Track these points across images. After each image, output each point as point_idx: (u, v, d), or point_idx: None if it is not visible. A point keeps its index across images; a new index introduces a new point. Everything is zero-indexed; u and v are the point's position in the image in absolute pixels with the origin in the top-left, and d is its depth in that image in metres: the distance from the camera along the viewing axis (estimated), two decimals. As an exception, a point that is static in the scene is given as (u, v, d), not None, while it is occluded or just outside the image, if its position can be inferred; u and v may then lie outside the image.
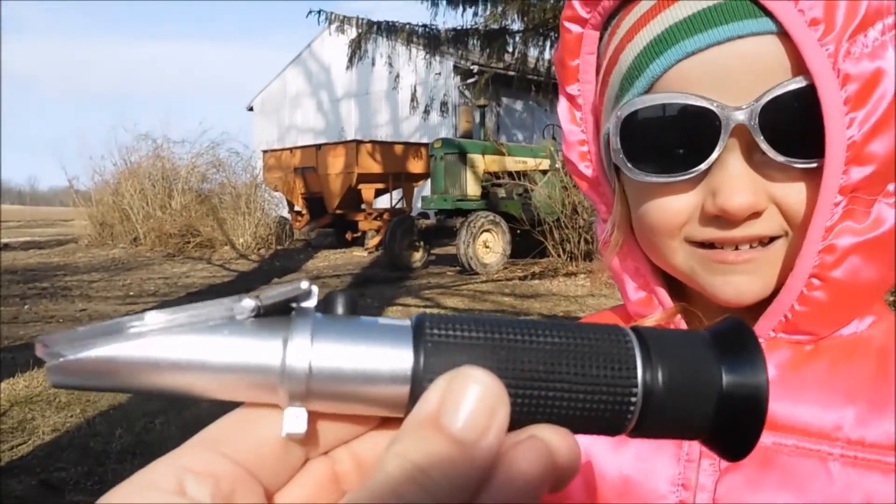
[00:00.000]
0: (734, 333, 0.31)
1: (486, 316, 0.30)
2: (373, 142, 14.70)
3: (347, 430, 0.32)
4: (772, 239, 0.65)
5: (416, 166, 14.60)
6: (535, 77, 13.46)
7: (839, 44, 0.59)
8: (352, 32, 12.94)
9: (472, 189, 11.46)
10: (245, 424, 0.30)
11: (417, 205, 13.52)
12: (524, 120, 19.32)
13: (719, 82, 0.62)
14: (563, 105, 0.79)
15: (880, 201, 0.62)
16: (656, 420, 0.30)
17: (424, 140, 16.03)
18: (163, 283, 10.01)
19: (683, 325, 0.73)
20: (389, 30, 12.72)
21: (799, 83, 0.60)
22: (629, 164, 0.66)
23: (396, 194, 14.86)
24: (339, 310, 0.29)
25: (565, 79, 0.77)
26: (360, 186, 13.74)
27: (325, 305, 0.29)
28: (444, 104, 15.09)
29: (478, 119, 12.67)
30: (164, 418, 4.33)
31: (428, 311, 0.30)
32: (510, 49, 12.59)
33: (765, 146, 0.61)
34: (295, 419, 0.29)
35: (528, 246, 10.80)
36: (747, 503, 0.63)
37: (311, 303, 0.29)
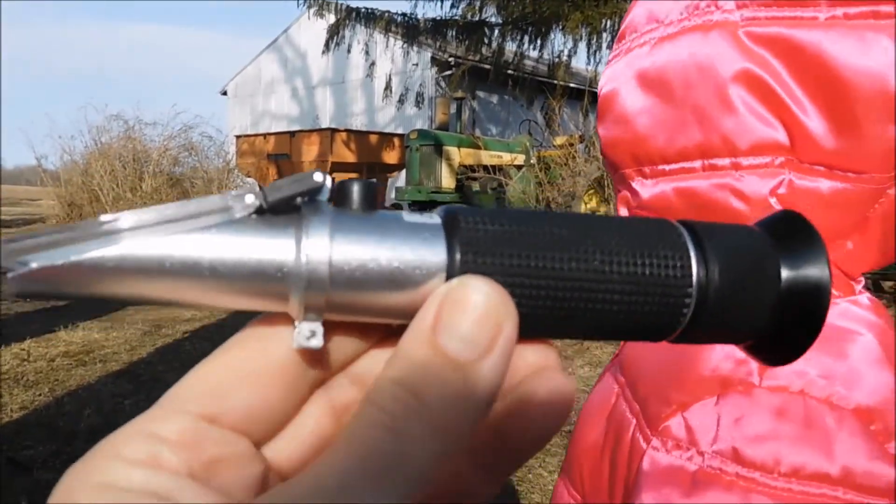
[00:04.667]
0: (789, 223, 0.28)
1: (522, 209, 0.27)
2: (348, 130, 14.64)
3: (351, 348, 0.28)
4: None
5: (390, 157, 14.57)
6: (512, 72, 13.50)
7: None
8: (330, 18, 12.89)
9: (447, 181, 11.48)
10: (231, 371, 0.26)
11: (391, 196, 13.50)
12: (499, 114, 19.35)
13: None
14: None
15: (634, 178, 0.70)
16: (707, 324, 0.27)
17: (400, 131, 16.00)
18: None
19: None
20: (368, 17, 12.68)
21: None
22: None
23: (370, 184, 14.80)
24: (356, 203, 0.25)
25: None
26: (334, 175, 13.62)
27: (339, 197, 0.25)
28: (419, 95, 15.08)
29: (454, 111, 12.68)
30: (133, 399, 4.30)
31: None
32: (488, 42, 12.62)
33: None
34: (309, 332, 0.25)
35: (500, 240, 10.84)
36: None
37: (323, 196, 0.25)
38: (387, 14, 12.74)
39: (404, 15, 12.67)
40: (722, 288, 0.26)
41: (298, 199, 0.24)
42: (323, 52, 13.66)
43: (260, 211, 0.24)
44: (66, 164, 16.78)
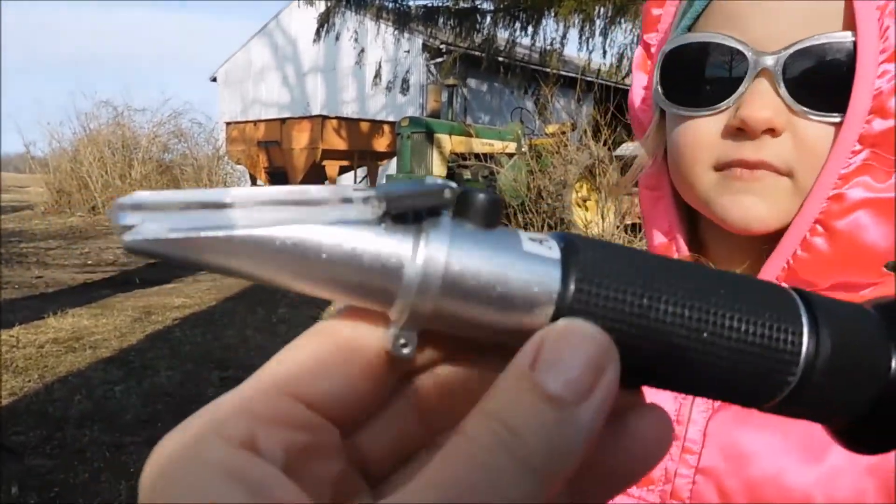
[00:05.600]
0: None
1: (637, 248, 0.27)
2: (339, 118, 14.61)
3: (439, 351, 0.28)
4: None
5: (381, 144, 14.55)
6: (504, 59, 13.46)
7: None
8: (321, 5, 12.81)
9: (438, 169, 11.45)
10: (324, 355, 0.26)
11: (382, 183, 13.47)
12: (490, 102, 19.32)
13: (768, 17, 0.66)
14: (638, 52, 0.82)
15: None
16: (809, 397, 0.26)
17: (391, 118, 15.96)
18: (122, 253, 9.79)
19: None
20: (359, 3, 12.61)
21: (835, 37, 0.63)
22: (665, 99, 0.72)
23: (361, 172, 14.80)
24: (478, 216, 0.25)
25: (646, 27, 0.80)
26: (325, 163, 13.66)
27: (460, 207, 0.25)
28: (405, 81, 15.02)
29: (446, 99, 12.65)
30: (123, 386, 4.29)
31: None
32: (479, 29, 12.57)
33: (784, 93, 0.65)
34: (404, 341, 0.25)
35: (491, 228, 10.82)
36: (735, 436, 0.67)
37: (446, 208, 0.25)
38: (378, 1, 12.67)
39: (395, 1, 12.60)
40: (830, 367, 0.26)
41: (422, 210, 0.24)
42: (314, 41, 13.59)
43: (382, 216, 0.24)
44: (54, 151, 16.66)
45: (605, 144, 9.80)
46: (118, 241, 0.22)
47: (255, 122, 15.34)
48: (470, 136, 11.73)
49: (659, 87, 0.73)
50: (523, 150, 11.25)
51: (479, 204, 0.25)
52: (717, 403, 0.68)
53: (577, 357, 0.23)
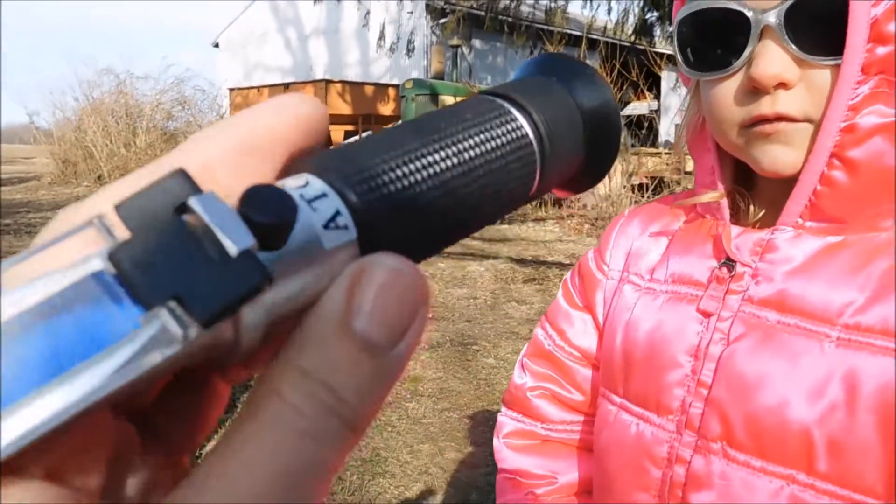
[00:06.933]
0: (555, 62, 0.31)
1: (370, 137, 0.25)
2: (343, 82, 14.49)
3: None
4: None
5: (386, 108, 14.45)
6: (508, 17, 13.29)
7: None
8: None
9: (443, 131, 11.36)
10: None
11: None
12: (495, 62, 19.12)
13: None
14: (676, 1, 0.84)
15: None
16: (551, 167, 0.28)
17: (395, 81, 15.82)
18: (129, 222, 9.77)
19: (726, 209, 0.78)
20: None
21: None
22: (683, 65, 0.77)
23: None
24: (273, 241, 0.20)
25: None
26: (330, 128, 13.56)
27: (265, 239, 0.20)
28: (410, 42, 14.86)
29: (450, 59, 12.51)
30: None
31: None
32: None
33: (789, 45, 0.67)
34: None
35: (498, 189, 10.81)
36: (743, 369, 0.69)
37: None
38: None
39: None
40: (551, 134, 0.28)
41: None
42: (315, 2, 13.42)
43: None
44: (58, 121, 16.62)
45: (611, 103, 9.68)
46: None
47: (259, 88, 15.24)
48: (475, 97, 11.62)
49: (678, 54, 0.77)
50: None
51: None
52: (732, 336, 0.71)
53: (391, 297, 0.20)
